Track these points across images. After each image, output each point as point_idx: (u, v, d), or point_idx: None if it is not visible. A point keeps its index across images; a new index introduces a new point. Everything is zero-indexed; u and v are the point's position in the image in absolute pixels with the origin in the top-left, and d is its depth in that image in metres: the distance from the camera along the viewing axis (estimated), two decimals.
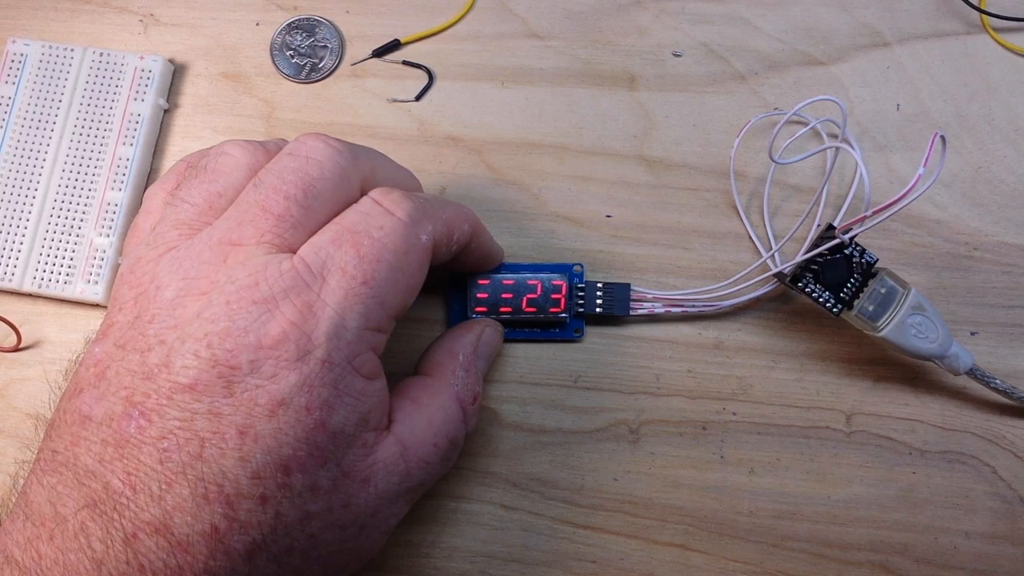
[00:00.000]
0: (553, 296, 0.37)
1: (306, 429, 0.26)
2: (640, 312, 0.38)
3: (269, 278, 0.26)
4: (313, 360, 0.26)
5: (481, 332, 0.35)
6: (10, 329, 0.38)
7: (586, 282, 0.38)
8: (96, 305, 0.39)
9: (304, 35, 0.41)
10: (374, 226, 0.28)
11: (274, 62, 0.41)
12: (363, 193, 0.30)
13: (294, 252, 0.27)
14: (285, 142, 0.30)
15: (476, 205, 0.39)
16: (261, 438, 0.25)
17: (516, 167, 0.40)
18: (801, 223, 0.38)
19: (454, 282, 0.38)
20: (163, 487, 0.25)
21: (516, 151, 0.40)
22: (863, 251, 0.35)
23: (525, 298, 0.36)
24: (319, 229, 0.28)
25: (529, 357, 0.38)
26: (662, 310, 0.38)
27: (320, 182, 0.28)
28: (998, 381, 0.36)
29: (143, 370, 0.26)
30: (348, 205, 0.29)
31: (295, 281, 0.26)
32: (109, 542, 0.24)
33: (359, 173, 0.30)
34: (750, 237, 0.39)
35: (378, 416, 0.29)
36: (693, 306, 0.38)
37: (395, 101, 0.41)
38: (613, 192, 0.40)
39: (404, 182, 0.33)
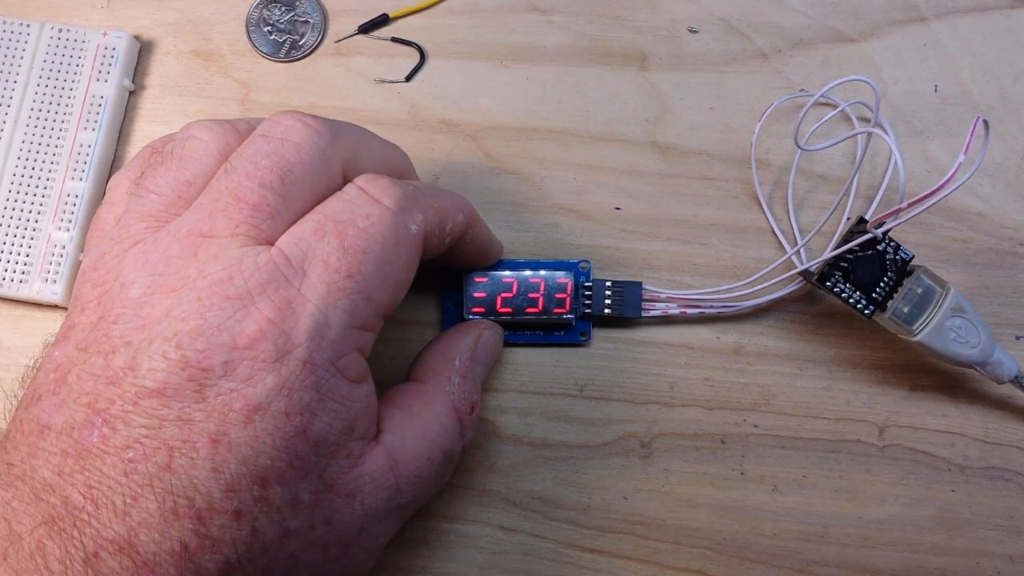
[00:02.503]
0: (557, 296, 0.37)
1: (285, 437, 0.26)
2: (653, 313, 0.38)
3: (244, 272, 0.26)
4: (293, 361, 0.26)
5: (479, 335, 0.36)
6: None
7: (593, 280, 0.38)
8: (55, 306, 0.39)
9: (283, 9, 0.42)
10: (359, 215, 0.28)
11: (250, 39, 0.42)
12: (346, 176, 0.30)
13: (272, 244, 0.27)
14: (259, 120, 0.31)
15: (473, 196, 0.39)
16: (236, 447, 0.25)
17: (516, 154, 0.40)
18: (829, 216, 0.38)
19: (449, 280, 0.38)
20: (128, 501, 0.25)
21: (516, 137, 0.41)
22: (898, 247, 0.35)
23: (527, 298, 0.37)
24: (299, 219, 0.28)
25: (531, 363, 0.39)
26: (677, 311, 0.38)
27: (297, 167, 0.28)
28: None
29: (107, 374, 0.26)
30: (330, 191, 0.29)
31: (273, 275, 0.26)
32: (68, 562, 0.24)
33: (340, 155, 0.30)
34: (773, 231, 0.39)
35: (365, 424, 0.29)
36: (711, 307, 0.38)
37: (383, 82, 0.41)
38: (623, 182, 0.40)
39: (391, 160, 0.34)
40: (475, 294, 0.37)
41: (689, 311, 0.38)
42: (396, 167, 0.34)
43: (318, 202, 0.29)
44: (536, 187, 0.40)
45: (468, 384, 0.34)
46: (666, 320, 0.39)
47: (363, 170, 0.31)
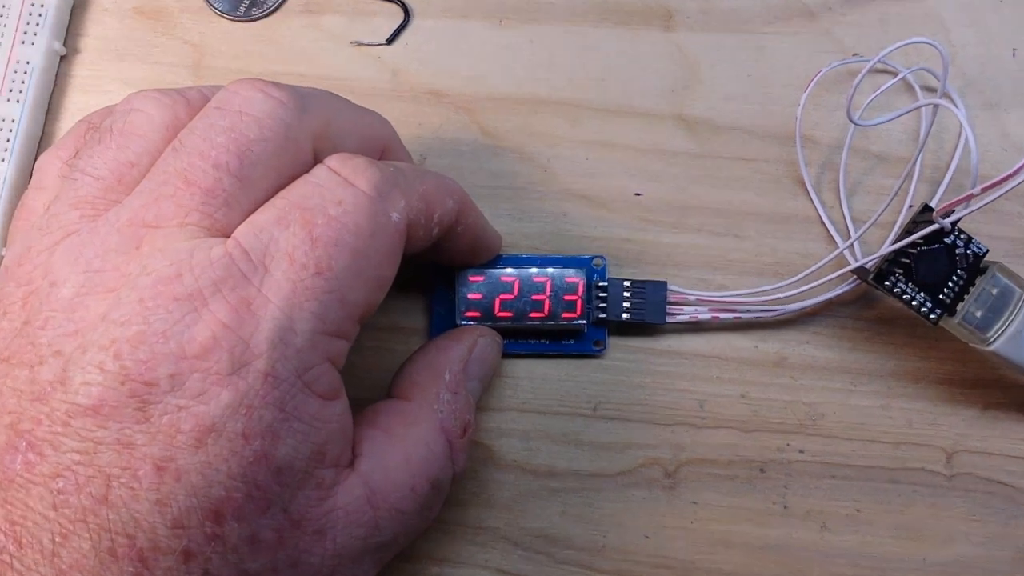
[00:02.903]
0: (566, 298, 0.37)
1: (243, 463, 0.26)
2: (679, 319, 0.38)
3: (195, 268, 0.26)
4: (252, 373, 0.26)
5: (473, 344, 0.36)
6: None
7: (609, 280, 0.38)
8: None
9: None
10: (331, 201, 0.28)
11: None
12: (317, 154, 0.30)
13: (228, 236, 0.27)
14: (214, 90, 0.31)
15: (466, 180, 0.39)
16: (184, 475, 0.25)
17: (518, 131, 0.40)
18: (889, 203, 0.38)
19: (439, 279, 0.38)
20: (57, 540, 0.25)
21: (518, 110, 0.41)
22: (969, 240, 0.35)
23: (530, 300, 0.37)
24: (260, 206, 0.28)
25: (534, 377, 0.39)
26: (707, 316, 0.38)
27: (258, 144, 0.28)
28: None
29: (32, 389, 0.26)
30: (296, 173, 0.29)
31: (229, 271, 0.26)
32: None
33: (309, 130, 0.30)
34: (821, 221, 0.39)
35: (338, 448, 0.29)
36: (748, 311, 0.38)
37: (361, 45, 0.41)
38: (644, 163, 0.40)
39: (372, 133, 0.34)
40: (469, 295, 0.37)
41: (722, 316, 0.38)
42: (378, 141, 0.34)
43: (283, 186, 0.29)
44: (541, 169, 0.40)
45: (460, 402, 0.34)
46: (695, 327, 0.39)
47: (337, 148, 0.31)
